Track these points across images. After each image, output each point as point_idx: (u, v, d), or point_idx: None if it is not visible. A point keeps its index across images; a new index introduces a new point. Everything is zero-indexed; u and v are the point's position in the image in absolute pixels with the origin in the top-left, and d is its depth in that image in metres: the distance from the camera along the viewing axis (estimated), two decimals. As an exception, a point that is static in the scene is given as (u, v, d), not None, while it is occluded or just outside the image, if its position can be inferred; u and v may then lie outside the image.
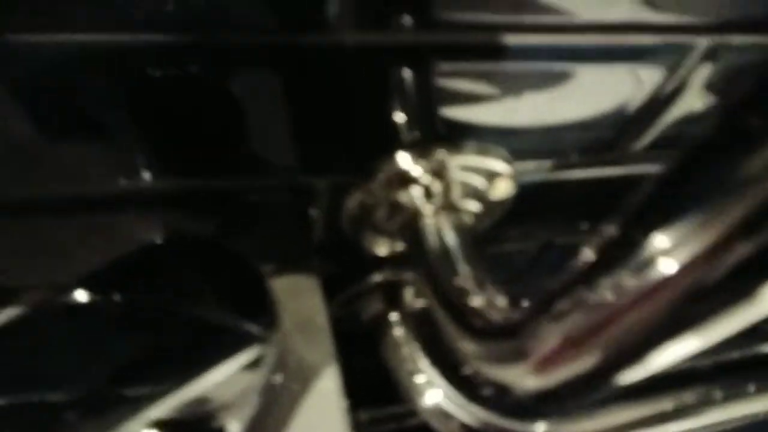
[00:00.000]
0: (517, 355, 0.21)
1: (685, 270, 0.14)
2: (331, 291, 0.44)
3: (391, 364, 0.46)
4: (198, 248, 0.25)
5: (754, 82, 0.12)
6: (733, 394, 0.52)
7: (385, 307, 0.46)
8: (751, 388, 0.53)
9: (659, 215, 0.14)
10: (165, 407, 0.22)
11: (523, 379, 0.22)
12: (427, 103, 0.31)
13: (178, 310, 0.22)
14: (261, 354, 0.24)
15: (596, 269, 0.17)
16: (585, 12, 0.27)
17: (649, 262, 0.15)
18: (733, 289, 0.13)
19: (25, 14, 0.20)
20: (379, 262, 0.43)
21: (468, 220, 0.34)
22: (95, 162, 0.28)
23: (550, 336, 0.19)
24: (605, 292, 0.16)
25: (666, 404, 0.48)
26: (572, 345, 0.18)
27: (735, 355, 0.62)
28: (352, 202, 0.32)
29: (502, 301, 0.25)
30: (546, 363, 0.20)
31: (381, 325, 0.46)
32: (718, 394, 0.51)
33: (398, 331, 0.46)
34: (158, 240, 0.25)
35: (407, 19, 0.24)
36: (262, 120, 0.28)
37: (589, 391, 0.19)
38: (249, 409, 0.27)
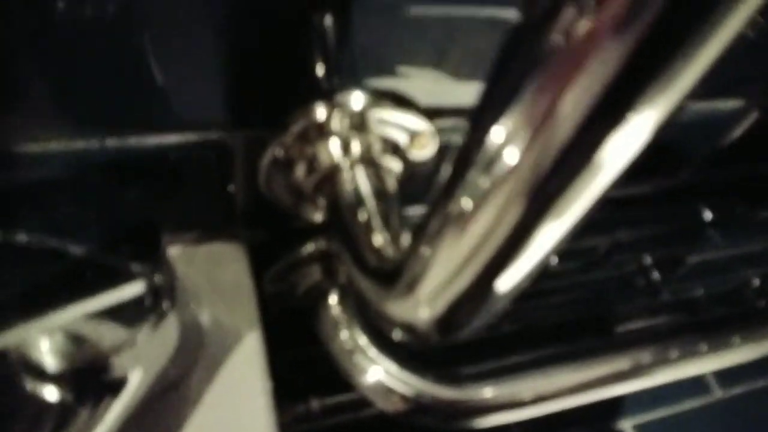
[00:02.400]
0: (407, 288, 0.21)
1: (526, 154, 0.13)
2: (264, 263, 0.43)
3: (329, 343, 0.45)
4: (94, 189, 0.24)
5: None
6: (687, 353, 0.53)
7: (322, 279, 0.46)
8: (704, 347, 0.55)
9: (491, 110, 0.14)
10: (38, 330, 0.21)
11: (417, 311, 0.21)
12: (346, 51, 0.30)
13: (61, 247, 0.21)
14: (145, 292, 0.23)
15: (452, 181, 0.16)
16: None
17: (494, 158, 0.14)
18: (574, 161, 0.13)
19: None
20: (315, 231, 0.42)
21: (389, 179, 0.33)
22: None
23: (428, 260, 0.19)
24: (463, 200, 0.16)
25: (623, 364, 0.49)
26: (447, 263, 0.18)
27: (689, 318, 0.63)
28: (267, 158, 0.32)
29: (405, 239, 0.24)
30: (430, 289, 0.20)
31: (318, 299, 0.45)
32: (673, 353, 0.52)
33: (335, 309, 0.45)
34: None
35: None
36: (175, 71, 0.27)
37: (478, 307, 0.19)
38: (152, 360, 0.26)
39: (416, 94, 0.33)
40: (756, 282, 0.83)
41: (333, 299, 0.45)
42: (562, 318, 0.70)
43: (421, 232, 0.19)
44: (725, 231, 0.77)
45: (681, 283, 0.84)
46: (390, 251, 0.24)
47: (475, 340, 0.53)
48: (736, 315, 0.63)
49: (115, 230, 0.23)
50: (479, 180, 0.15)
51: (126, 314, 0.23)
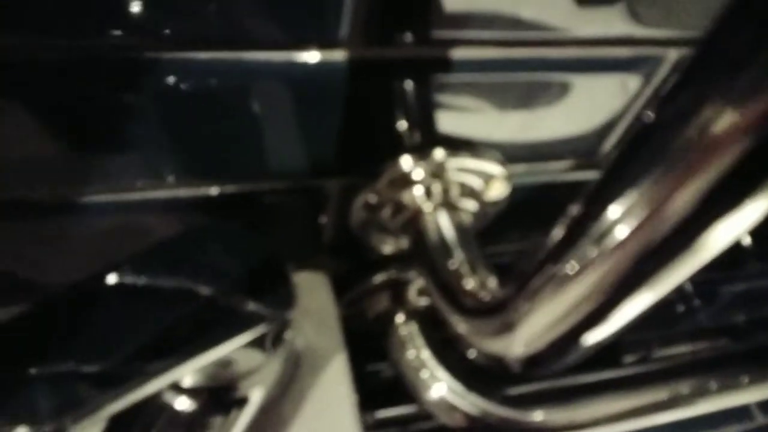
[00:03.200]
0: (505, 329, 0.24)
1: (635, 233, 0.17)
2: (339, 290, 0.47)
3: (397, 361, 0.49)
4: (224, 235, 0.28)
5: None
6: (727, 385, 0.54)
7: (391, 304, 0.49)
8: (745, 379, 0.56)
9: (612, 190, 0.17)
10: (185, 373, 0.25)
11: (511, 348, 0.25)
12: (426, 111, 0.34)
13: (201, 292, 0.25)
14: (276, 332, 0.27)
15: (562, 246, 0.20)
16: (567, 25, 0.30)
17: (606, 232, 0.18)
18: (675, 247, 0.16)
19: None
20: (385, 261, 0.46)
21: (466, 218, 0.37)
22: (121, 166, 0.31)
23: (528, 309, 0.22)
24: (570, 264, 0.19)
25: (661, 394, 0.51)
26: (547, 315, 0.21)
27: (730, 348, 0.64)
28: (359, 202, 0.36)
29: (492, 282, 0.28)
30: (528, 334, 0.23)
31: (386, 323, 0.49)
32: (713, 384, 0.54)
33: (403, 330, 0.49)
34: (186, 229, 0.28)
35: (408, 36, 0.28)
36: (279, 129, 0.32)
37: (566, 352, 0.22)
38: (269, 381, 0.31)
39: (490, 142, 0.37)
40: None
41: (400, 322, 0.49)
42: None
43: (523, 284, 0.22)
44: (765, 257, 0.78)
45: (722, 309, 0.85)
46: (482, 294, 0.28)
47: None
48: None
49: (245, 270, 0.28)
50: (588, 249, 0.18)
51: (258, 343, 0.27)
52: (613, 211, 0.17)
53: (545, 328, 0.22)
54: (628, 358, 0.76)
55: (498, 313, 0.25)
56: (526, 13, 0.29)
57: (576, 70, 0.34)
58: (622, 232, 0.17)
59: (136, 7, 0.23)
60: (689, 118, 0.15)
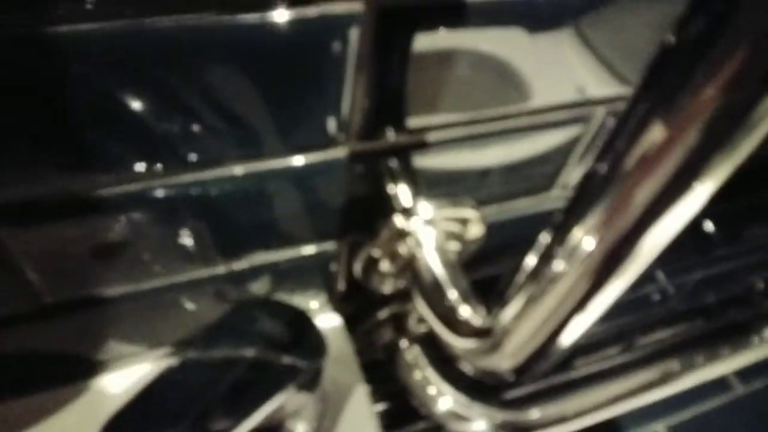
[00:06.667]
0: (494, 347, 0.32)
1: (600, 245, 0.23)
2: (349, 327, 0.54)
3: (406, 382, 0.56)
4: (265, 306, 0.35)
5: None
6: (707, 359, 0.60)
7: (395, 334, 0.57)
8: (726, 350, 0.63)
9: (578, 212, 0.24)
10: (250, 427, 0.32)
11: (501, 362, 0.32)
12: (410, 178, 0.42)
13: (252, 356, 0.33)
14: (313, 376, 0.34)
15: (537, 268, 0.27)
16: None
17: (575, 247, 0.24)
18: (629, 249, 0.23)
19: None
20: (386, 299, 0.54)
21: (452, 257, 0.45)
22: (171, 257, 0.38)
23: (513, 327, 0.30)
24: (545, 283, 0.26)
25: (653, 374, 0.58)
26: (529, 330, 0.29)
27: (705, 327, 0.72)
28: (363, 255, 0.43)
29: (481, 310, 0.35)
30: (514, 348, 0.31)
31: (392, 350, 0.57)
32: (698, 359, 0.61)
33: (408, 354, 0.56)
34: (232, 305, 0.36)
35: (390, 130, 0.36)
36: (296, 211, 0.39)
37: (548, 356, 0.30)
38: (310, 417, 0.38)
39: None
40: (761, 285, 0.89)
41: (405, 347, 0.56)
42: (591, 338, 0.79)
43: (505, 307, 0.30)
44: (728, 242, 0.85)
45: (694, 293, 0.93)
46: (474, 320, 0.35)
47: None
48: (748, 317, 0.73)
49: (284, 331, 0.35)
50: (560, 264, 0.25)
51: (301, 387, 0.34)
52: (580, 229, 0.24)
53: (526, 340, 0.29)
54: (614, 350, 0.83)
55: (487, 336, 0.32)
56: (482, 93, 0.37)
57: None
58: (589, 243, 0.24)
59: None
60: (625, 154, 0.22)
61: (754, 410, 1.15)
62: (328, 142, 0.34)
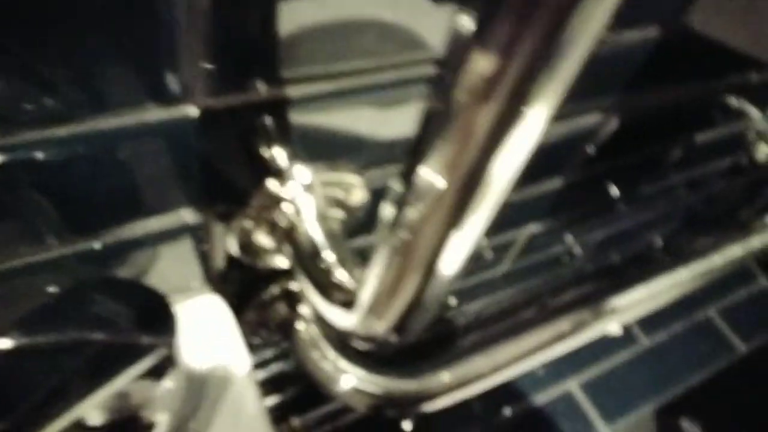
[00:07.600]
0: (365, 311, 0.30)
1: (449, 179, 0.22)
2: (239, 305, 0.51)
3: (304, 363, 0.53)
4: (107, 286, 0.31)
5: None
6: (611, 309, 0.62)
7: (290, 313, 0.54)
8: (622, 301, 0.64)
9: (422, 151, 0.22)
10: (84, 411, 0.28)
11: (375, 324, 0.30)
12: (285, 138, 0.39)
13: (89, 338, 0.29)
14: (165, 356, 0.31)
15: (391, 218, 0.25)
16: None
17: (426, 189, 0.22)
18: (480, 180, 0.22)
19: None
20: (276, 275, 0.50)
21: (335, 225, 0.42)
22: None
23: (377, 288, 0.27)
24: (401, 230, 0.24)
25: (564, 325, 0.58)
26: (392, 284, 0.27)
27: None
28: (236, 227, 0.40)
29: (358, 273, 0.33)
30: (383, 309, 0.29)
31: (288, 330, 0.54)
32: (602, 309, 0.61)
33: (305, 334, 0.53)
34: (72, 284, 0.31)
35: (261, 82, 0.32)
36: (147, 179, 0.35)
37: (423, 308, 0.28)
38: (172, 404, 0.34)
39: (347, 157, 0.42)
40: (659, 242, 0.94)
41: (301, 327, 0.53)
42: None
43: (368, 267, 0.27)
44: (629, 201, 0.88)
45: (599, 252, 0.95)
46: (349, 285, 0.33)
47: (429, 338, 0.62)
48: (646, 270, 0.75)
49: (128, 312, 0.31)
50: (411, 212, 0.23)
51: (151, 372, 0.31)
52: (426, 171, 0.22)
53: (392, 295, 0.27)
54: (528, 314, 0.84)
55: (357, 299, 0.30)
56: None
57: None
58: (438, 181, 0.22)
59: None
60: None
61: (659, 362, 1.22)
62: (170, 98, 0.30)
